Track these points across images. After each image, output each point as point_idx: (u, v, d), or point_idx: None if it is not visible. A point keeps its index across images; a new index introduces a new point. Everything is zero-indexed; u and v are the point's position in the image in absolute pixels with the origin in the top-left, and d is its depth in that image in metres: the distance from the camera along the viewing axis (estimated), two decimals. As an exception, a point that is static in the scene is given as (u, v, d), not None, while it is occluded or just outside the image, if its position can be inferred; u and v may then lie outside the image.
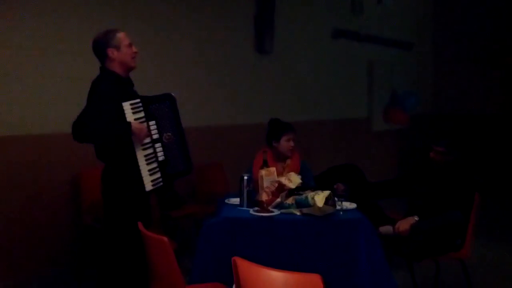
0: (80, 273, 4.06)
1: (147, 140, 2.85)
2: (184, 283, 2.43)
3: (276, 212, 3.06)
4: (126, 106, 2.77)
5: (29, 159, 3.92)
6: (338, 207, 3.06)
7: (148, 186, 2.83)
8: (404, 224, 3.35)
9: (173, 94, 3.04)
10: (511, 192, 7.45)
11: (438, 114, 8.93)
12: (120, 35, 2.87)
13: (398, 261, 3.71)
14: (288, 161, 3.69)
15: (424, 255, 3.32)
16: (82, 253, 4.12)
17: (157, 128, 2.92)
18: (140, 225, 2.60)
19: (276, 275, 1.84)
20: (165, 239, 2.34)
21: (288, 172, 3.43)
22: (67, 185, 4.13)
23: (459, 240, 3.45)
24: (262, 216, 2.99)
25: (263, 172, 3.33)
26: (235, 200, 3.33)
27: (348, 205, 3.22)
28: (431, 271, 3.68)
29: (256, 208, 3.10)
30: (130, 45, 2.89)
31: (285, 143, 3.64)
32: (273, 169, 3.40)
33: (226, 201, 3.40)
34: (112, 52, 2.83)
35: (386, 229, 3.47)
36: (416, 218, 3.36)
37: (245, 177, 3.23)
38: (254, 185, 3.31)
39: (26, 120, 3.90)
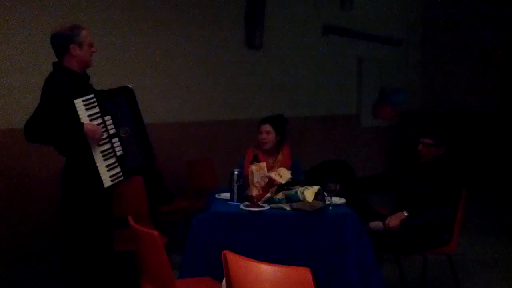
0: (68, 265, 4.04)
1: (104, 135, 2.81)
2: (174, 278, 2.44)
3: (266, 207, 3.07)
4: (78, 103, 2.71)
5: (18, 151, 3.89)
6: (327, 202, 3.08)
7: (107, 182, 2.80)
8: (394, 220, 3.37)
9: (130, 86, 2.96)
10: (498, 187, 7.55)
11: (426, 110, 9.00)
12: (85, 32, 2.84)
13: (386, 256, 3.74)
14: (279, 157, 3.70)
15: (412, 250, 3.35)
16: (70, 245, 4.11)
17: (114, 123, 2.86)
18: (130, 220, 2.59)
19: (266, 269, 1.85)
20: (156, 233, 2.34)
21: (279, 167, 3.44)
22: (56, 177, 4.10)
23: (447, 235, 3.49)
24: (252, 211, 3.00)
25: (253, 167, 3.34)
26: (226, 195, 3.34)
27: (337, 200, 3.24)
28: (418, 266, 3.72)
29: (246, 203, 3.10)
30: (91, 44, 2.86)
31: (258, 136, 3.68)
32: (263, 164, 3.41)
33: (216, 196, 3.41)
34: (74, 49, 2.79)
35: (376, 224, 3.50)
36: (406, 214, 3.38)
37: (236, 172, 3.23)
38: (245, 180, 3.32)
39: (10, 112, 3.87)
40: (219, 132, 5.65)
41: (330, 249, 2.95)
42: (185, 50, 5.25)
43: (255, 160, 3.45)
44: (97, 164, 2.77)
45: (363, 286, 2.90)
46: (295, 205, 3.01)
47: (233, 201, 3.22)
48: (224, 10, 5.66)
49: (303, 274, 1.77)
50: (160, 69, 5.01)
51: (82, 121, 2.71)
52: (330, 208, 3.09)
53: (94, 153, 2.77)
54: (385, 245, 3.41)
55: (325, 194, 3.08)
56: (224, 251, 1.98)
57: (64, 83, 2.76)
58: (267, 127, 3.68)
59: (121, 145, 2.89)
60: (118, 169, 2.87)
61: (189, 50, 5.29)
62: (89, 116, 2.75)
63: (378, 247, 3.35)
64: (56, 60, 2.85)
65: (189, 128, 5.33)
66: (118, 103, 2.89)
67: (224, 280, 2.05)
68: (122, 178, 2.90)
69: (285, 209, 3.04)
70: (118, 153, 2.88)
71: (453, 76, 8.72)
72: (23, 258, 3.97)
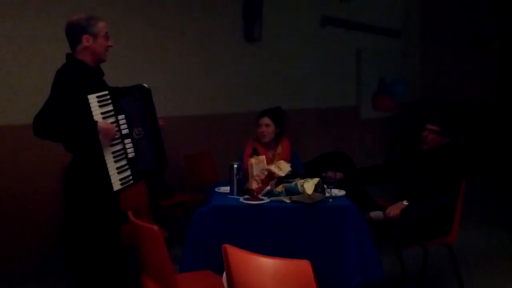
0: (68, 263, 4.05)
1: (117, 135, 2.66)
2: (175, 272, 2.44)
3: (266, 200, 3.07)
4: (92, 99, 2.56)
5: (18, 149, 3.89)
6: (327, 194, 3.08)
7: (117, 186, 2.65)
8: (394, 209, 3.37)
9: (146, 86, 2.81)
10: (498, 177, 7.55)
11: (426, 101, 8.98)
12: (101, 24, 2.71)
13: (387, 247, 3.75)
14: (279, 149, 3.70)
15: (412, 241, 3.36)
16: (70, 242, 4.12)
17: (127, 123, 2.70)
18: (131, 215, 2.59)
19: (266, 262, 1.85)
20: (156, 227, 2.34)
21: (278, 160, 3.44)
22: (57, 174, 4.10)
23: (447, 226, 3.49)
24: (252, 204, 3.00)
25: (253, 160, 3.34)
26: (225, 189, 3.34)
27: (337, 192, 3.24)
28: (419, 257, 3.73)
29: (246, 196, 3.10)
30: (107, 37, 2.74)
31: (257, 129, 3.67)
32: (262, 157, 3.40)
33: (216, 189, 3.41)
34: (87, 40, 2.65)
35: (376, 214, 3.50)
36: (406, 203, 3.38)
37: (235, 166, 3.23)
38: (244, 174, 3.32)
39: (13, 109, 3.86)
40: (218, 125, 5.64)
41: (330, 241, 2.95)
42: (183, 44, 5.23)
43: (255, 153, 3.44)
44: (108, 166, 2.61)
45: (363, 277, 2.91)
46: (295, 197, 3.01)
47: (233, 195, 3.22)
48: (222, 3, 5.63)
49: (303, 266, 1.77)
50: (159, 64, 4.99)
51: (95, 118, 2.57)
52: (330, 200, 3.08)
53: (105, 154, 2.61)
54: (385, 235, 3.41)
55: (325, 186, 3.08)
56: (224, 245, 1.98)
57: (76, 75, 2.62)
58: (266, 120, 3.68)
59: (133, 146, 2.72)
60: (128, 172, 2.70)
61: (187, 44, 5.27)
62: (102, 113, 2.59)
63: (378, 237, 3.35)
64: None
65: (189, 121, 5.32)
66: (133, 102, 2.73)
67: (224, 274, 2.05)
68: (132, 182, 2.73)
69: (285, 202, 3.04)
70: (130, 155, 2.71)
71: (452, 67, 8.69)
72: (22, 255, 3.97)
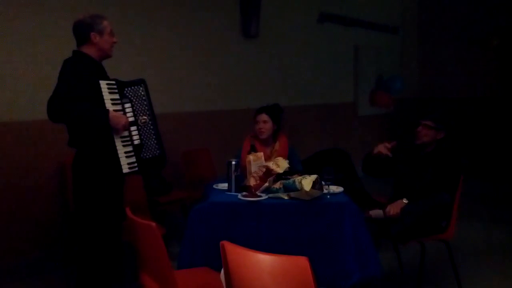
0: (66, 260, 4.05)
1: (127, 125, 2.85)
2: (172, 269, 2.44)
3: (264, 196, 3.07)
4: (103, 84, 2.77)
5: (17, 145, 3.88)
6: (325, 191, 3.08)
7: (125, 169, 2.84)
8: (394, 208, 3.37)
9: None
10: (497, 174, 7.56)
11: (423, 97, 8.99)
12: (106, 22, 2.91)
13: (385, 243, 3.75)
14: (276, 146, 3.70)
15: (410, 237, 3.36)
16: (69, 240, 4.11)
17: (133, 111, 2.90)
18: (128, 211, 2.59)
19: (264, 259, 1.85)
20: (153, 224, 2.33)
21: (276, 157, 3.44)
22: (55, 171, 4.10)
23: (445, 222, 3.50)
24: (250, 201, 3.00)
25: (250, 157, 3.34)
26: (223, 185, 3.34)
27: (335, 188, 3.24)
28: (416, 253, 3.74)
29: (244, 193, 3.10)
30: (112, 33, 2.93)
31: (255, 126, 3.68)
32: (260, 154, 3.40)
33: (214, 186, 3.40)
34: (94, 37, 2.85)
35: (376, 212, 3.49)
36: (405, 201, 3.39)
37: (233, 162, 3.22)
38: (242, 170, 3.32)
39: (14, 106, 3.85)
40: (216, 122, 5.64)
41: (328, 238, 2.95)
42: (180, 41, 5.22)
43: (253, 150, 3.44)
44: (118, 149, 2.80)
45: (361, 274, 2.91)
46: (292, 194, 3.01)
47: (231, 191, 3.22)
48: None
49: (301, 263, 1.77)
50: (156, 60, 4.98)
51: (106, 103, 2.76)
52: (328, 196, 3.08)
53: (115, 138, 2.80)
54: (385, 232, 3.42)
55: (323, 182, 3.08)
56: (222, 241, 1.98)
57: (82, 65, 2.80)
58: (263, 116, 3.68)
59: (138, 133, 2.91)
60: (133, 159, 2.89)
61: (184, 40, 5.26)
62: (111, 99, 2.79)
63: (377, 235, 3.36)
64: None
65: (186, 118, 5.32)
66: (138, 92, 2.94)
67: (222, 270, 2.05)
68: (136, 169, 2.91)
69: (283, 199, 3.04)
70: (136, 142, 2.90)
71: (450, 63, 8.69)
72: (20, 251, 3.96)
